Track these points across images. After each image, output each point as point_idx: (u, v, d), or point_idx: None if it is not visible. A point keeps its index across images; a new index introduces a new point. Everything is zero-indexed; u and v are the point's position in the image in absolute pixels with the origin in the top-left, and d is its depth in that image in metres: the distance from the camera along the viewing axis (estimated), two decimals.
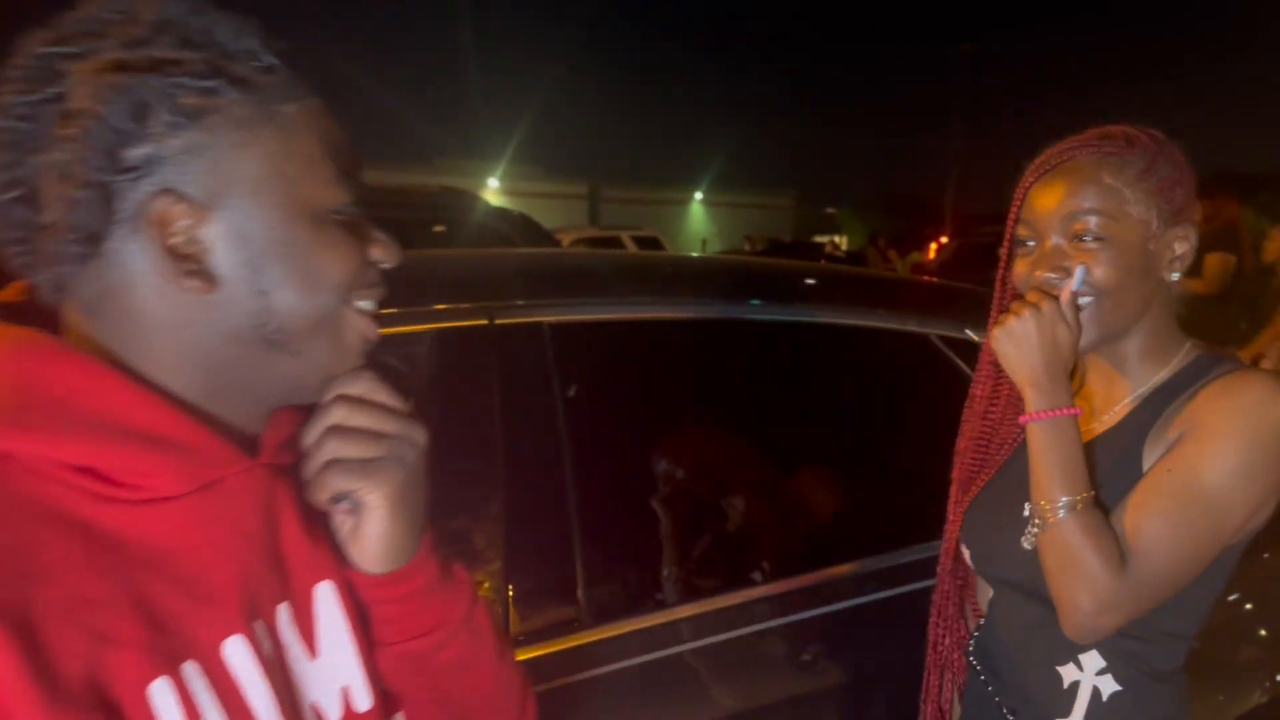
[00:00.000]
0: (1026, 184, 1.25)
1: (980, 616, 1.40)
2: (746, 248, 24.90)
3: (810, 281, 2.16)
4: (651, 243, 16.79)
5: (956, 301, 2.14)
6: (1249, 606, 2.11)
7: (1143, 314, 1.21)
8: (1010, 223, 1.27)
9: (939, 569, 1.47)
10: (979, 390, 1.41)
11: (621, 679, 1.50)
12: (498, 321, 1.57)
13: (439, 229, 5.43)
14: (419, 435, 0.77)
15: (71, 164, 0.62)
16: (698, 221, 46.50)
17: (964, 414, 1.44)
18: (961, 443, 1.44)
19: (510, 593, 1.47)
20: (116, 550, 0.62)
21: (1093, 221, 1.17)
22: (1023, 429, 1.31)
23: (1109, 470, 1.19)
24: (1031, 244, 1.24)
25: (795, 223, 48.67)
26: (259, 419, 0.74)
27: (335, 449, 0.73)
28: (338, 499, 0.75)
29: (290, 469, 0.76)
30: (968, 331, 1.98)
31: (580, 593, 1.52)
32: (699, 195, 48.33)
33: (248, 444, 0.72)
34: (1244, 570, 2.05)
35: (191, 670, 0.63)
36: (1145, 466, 1.17)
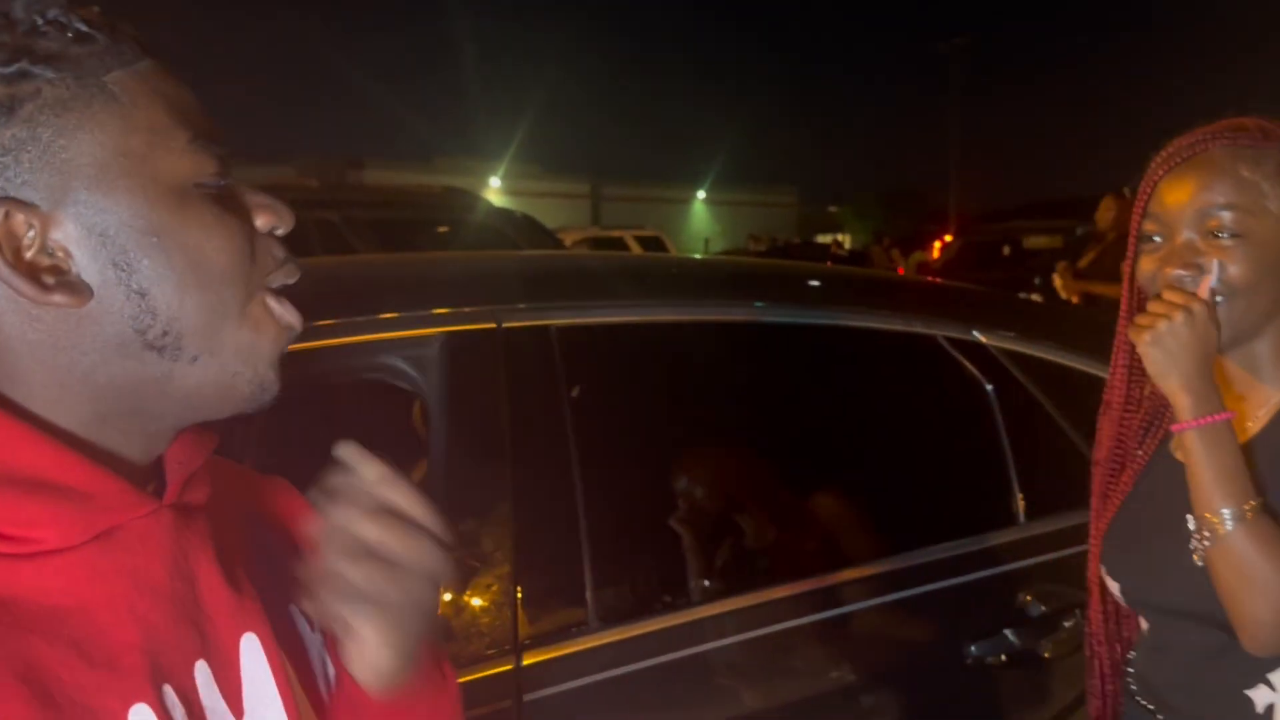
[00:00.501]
0: (1155, 177, 1.20)
1: (1131, 648, 1.35)
2: (751, 246, 24.91)
3: (816, 284, 2.17)
4: (655, 243, 16.80)
5: (963, 302, 2.14)
6: None
7: (1276, 315, 1.17)
8: (1137, 217, 1.22)
9: (1089, 605, 1.39)
10: (1115, 396, 1.34)
11: (630, 682, 1.50)
12: (505, 325, 1.57)
13: (443, 229, 5.45)
14: (443, 570, 0.67)
15: None
16: (700, 220, 46.51)
17: (1099, 422, 1.38)
18: (1098, 453, 1.37)
19: (519, 595, 1.47)
20: (2, 615, 0.54)
21: (1228, 217, 1.12)
22: (1161, 437, 1.29)
23: (1267, 474, 1.14)
24: (1158, 239, 1.19)
25: (798, 221, 48.69)
26: (158, 447, 0.65)
27: (347, 570, 0.63)
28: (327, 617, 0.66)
29: (202, 509, 0.67)
30: (974, 333, 1.98)
31: (589, 595, 1.52)
32: (701, 194, 48.34)
33: (149, 481, 0.65)
34: None
35: None
36: None
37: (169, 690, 0.59)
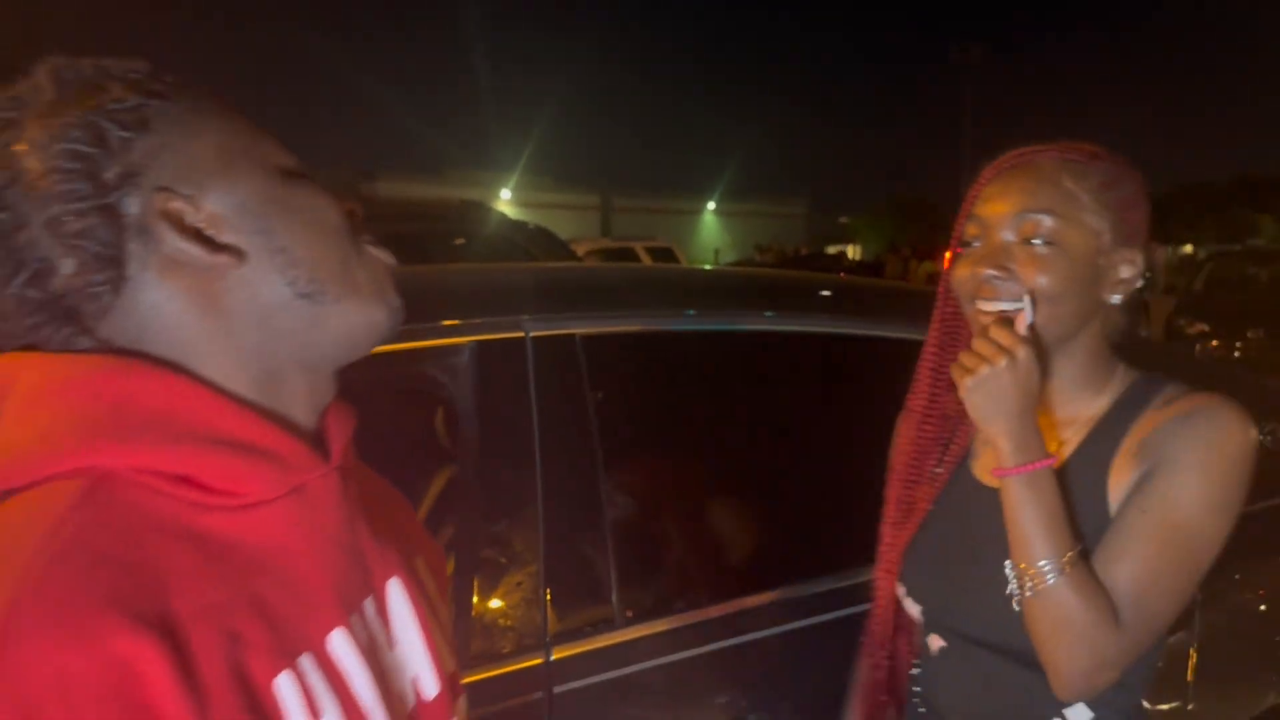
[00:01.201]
0: (982, 182, 1.19)
1: (915, 659, 1.34)
2: (758, 259, 24.89)
3: (827, 293, 2.22)
4: (666, 254, 16.84)
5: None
6: (1263, 609, 2.15)
7: (1076, 332, 1.16)
8: (961, 222, 1.21)
9: (872, 616, 1.37)
10: (917, 404, 1.31)
11: (655, 676, 1.56)
12: (532, 334, 1.63)
13: (460, 242, 5.51)
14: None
15: (62, 209, 0.66)
16: (710, 231, 46.54)
17: (899, 428, 1.36)
18: (896, 460, 1.34)
19: (548, 594, 1.53)
20: (226, 557, 0.66)
21: (1046, 222, 1.11)
22: (962, 454, 1.28)
23: (1079, 498, 1.13)
24: (977, 244, 1.18)
25: (808, 232, 48.65)
26: (317, 403, 0.77)
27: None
28: None
29: (353, 474, 0.79)
30: None
31: (614, 594, 1.58)
32: (711, 205, 48.38)
33: (315, 444, 0.76)
34: (1258, 573, 2.10)
35: (307, 663, 0.67)
36: (1113, 503, 1.12)
37: (356, 619, 0.73)
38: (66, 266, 0.67)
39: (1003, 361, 1.07)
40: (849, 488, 1.97)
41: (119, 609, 0.57)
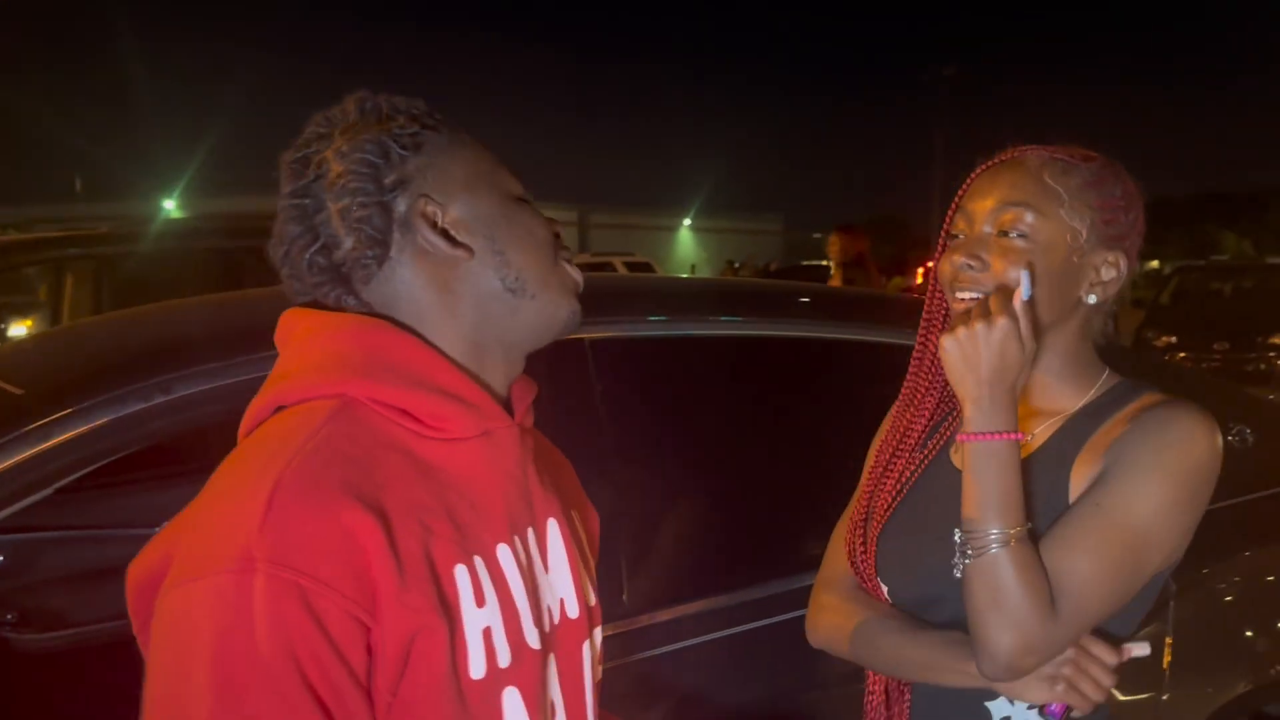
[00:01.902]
0: (971, 176, 1.22)
1: None
2: (729, 276, 25.02)
3: (805, 300, 2.30)
4: (644, 268, 16.95)
5: None
6: (1230, 599, 2.24)
7: (1049, 327, 1.16)
8: (950, 214, 1.23)
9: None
10: (905, 389, 1.32)
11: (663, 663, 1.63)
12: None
13: None
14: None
15: (351, 201, 0.88)
16: (686, 247, 46.68)
17: (893, 413, 1.36)
18: (888, 440, 1.33)
19: None
20: (430, 473, 0.86)
21: (1024, 216, 1.13)
22: (946, 440, 1.28)
23: (1034, 497, 1.13)
24: (962, 236, 1.19)
25: (783, 247, 48.91)
26: (510, 373, 0.97)
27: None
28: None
29: (530, 433, 0.98)
30: None
31: (625, 584, 1.65)
32: (688, 221, 48.55)
33: (504, 406, 0.94)
34: (1227, 566, 2.19)
35: (479, 563, 0.86)
36: (1072, 497, 1.13)
37: (517, 540, 0.92)
38: (348, 243, 0.88)
39: (979, 324, 1.08)
40: (825, 487, 2.06)
41: (350, 492, 0.77)
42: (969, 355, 1.09)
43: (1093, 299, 1.17)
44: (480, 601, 0.85)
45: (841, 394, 2.05)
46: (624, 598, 1.66)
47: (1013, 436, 1.09)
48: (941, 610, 1.19)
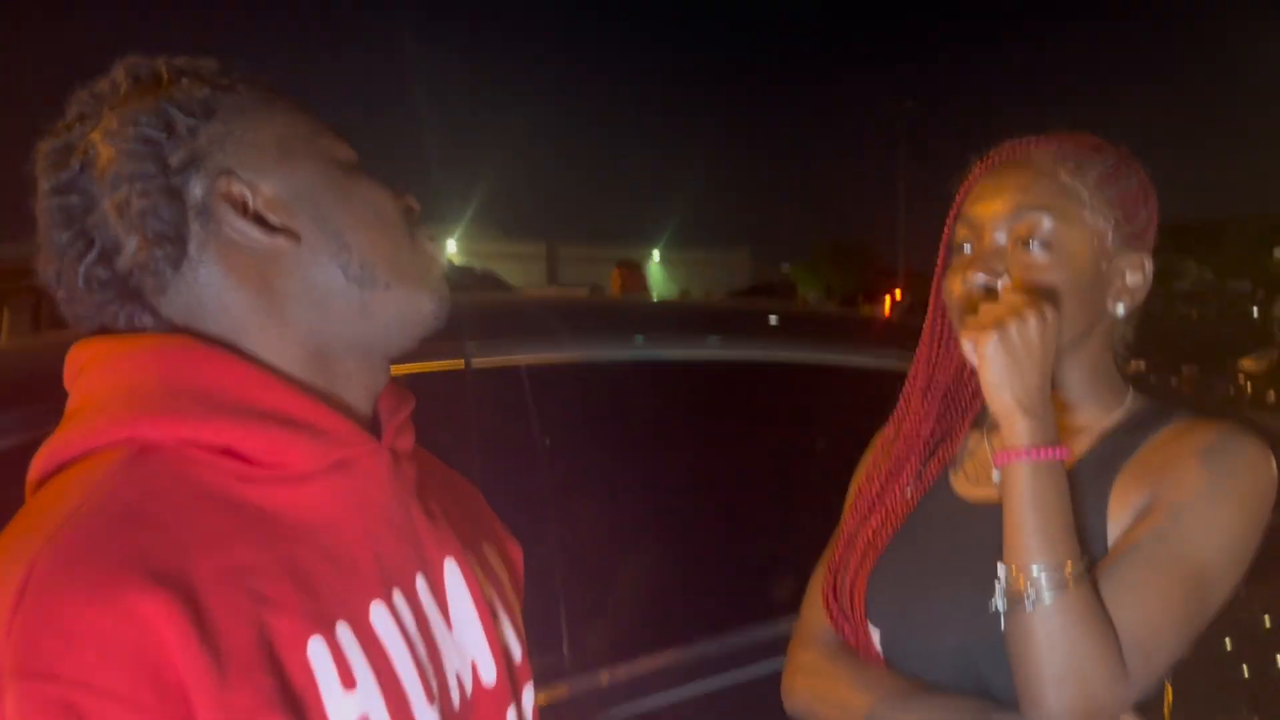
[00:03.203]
0: (972, 179, 1.08)
1: None
2: None
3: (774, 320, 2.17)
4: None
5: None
6: (1230, 638, 2.12)
7: (1075, 345, 1.04)
8: (950, 223, 1.08)
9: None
10: (904, 421, 1.15)
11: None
12: (475, 364, 1.54)
13: None
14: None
15: (129, 190, 0.70)
16: (655, 280, 46.86)
17: (880, 445, 1.19)
18: (862, 485, 1.16)
19: None
20: (264, 524, 0.67)
21: (1042, 221, 1.00)
22: (937, 475, 1.13)
23: (1085, 513, 1.00)
24: (968, 248, 1.06)
25: (753, 278, 49.21)
26: (371, 385, 0.79)
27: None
28: None
29: (409, 456, 0.81)
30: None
31: (564, 641, 1.48)
32: (656, 254, 48.81)
33: (368, 426, 0.77)
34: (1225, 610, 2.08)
35: (344, 631, 0.67)
36: (1112, 525, 1.00)
37: (398, 594, 0.73)
38: (131, 245, 0.70)
39: (1032, 317, 0.93)
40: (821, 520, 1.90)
41: (137, 566, 0.59)
42: (1019, 357, 0.93)
43: (1120, 309, 1.06)
44: (349, 683, 0.66)
45: (806, 421, 1.90)
46: (565, 652, 1.48)
47: (1062, 454, 0.95)
48: (948, 664, 1.03)
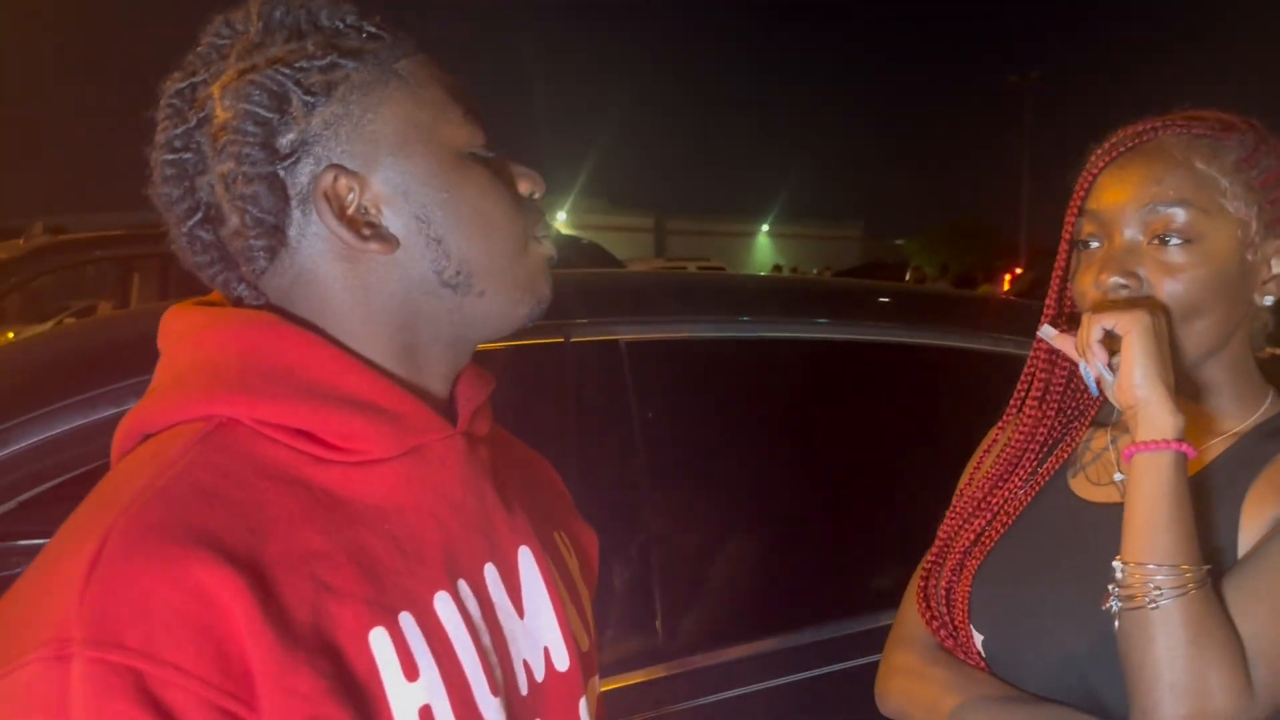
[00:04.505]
0: (1095, 169, 1.00)
1: None
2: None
3: (885, 300, 2.09)
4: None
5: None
6: None
7: (1224, 345, 0.97)
8: (1071, 217, 1.01)
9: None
10: (1026, 422, 1.09)
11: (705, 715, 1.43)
12: (574, 340, 1.53)
13: None
14: None
15: (236, 168, 0.67)
16: (764, 253, 46.53)
17: (983, 446, 1.15)
18: (975, 478, 1.11)
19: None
20: (335, 508, 0.66)
21: (1180, 216, 0.93)
22: (1053, 472, 1.07)
23: (1215, 518, 0.95)
24: (1095, 244, 0.99)
25: (863, 254, 48.37)
26: (451, 374, 0.77)
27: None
28: None
29: (485, 441, 0.78)
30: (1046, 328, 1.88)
31: (659, 623, 1.45)
32: (765, 227, 48.39)
33: (445, 412, 0.76)
34: None
35: (408, 621, 0.66)
36: (1243, 534, 0.93)
37: (463, 584, 0.71)
38: (232, 221, 0.69)
39: (1160, 311, 0.90)
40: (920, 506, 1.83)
41: (208, 542, 0.59)
42: (1164, 344, 0.89)
43: (1269, 300, 0.98)
44: (412, 673, 0.65)
45: (914, 405, 1.82)
46: (659, 634, 1.45)
47: (1190, 451, 0.88)
48: (1054, 672, 0.97)
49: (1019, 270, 15.78)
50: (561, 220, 33.80)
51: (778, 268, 21.60)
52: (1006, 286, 15.17)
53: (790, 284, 3.15)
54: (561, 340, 1.51)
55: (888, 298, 2.14)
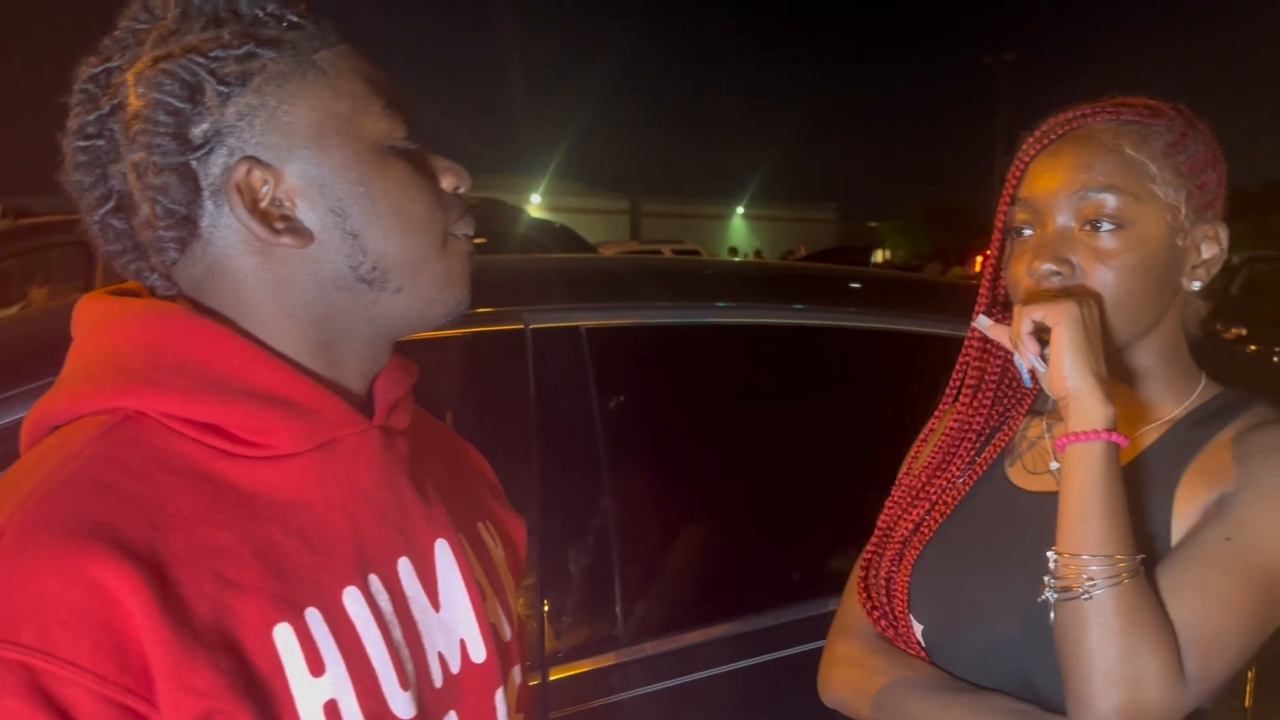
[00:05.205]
0: (1026, 158, 1.01)
1: None
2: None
3: (855, 285, 2.09)
4: (693, 256, 16.81)
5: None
6: None
7: (1152, 328, 0.98)
8: (1003, 206, 1.02)
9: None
10: (962, 414, 1.09)
11: (661, 700, 1.43)
12: (533, 326, 1.52)
13: (480, 240, 5.47)
14: None
15: (147, 158, 0.67)
16: (739, 235, 46.48)
17: (920, 438, 1.15)
18: (912, 468, 1.12)
19: (545, 608, 1.41)
20: (241, 503, 0.66)
21: (1111, 201, 0.94)
22: (989, 464, 1.07)
23: (1149, 504, 0.96)
24: (1028, 232, 1.00)
25: (838, 237, 48.48)
26: (370, 368, 0.77)
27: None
28: None
29: (404, 433, 0.78)
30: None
31: (618, 609, 1.46)
32: (740, 209, 48.35)
33: (360, 405, 0.75)
34: None
35: (314, 617, 0.66)
36: (1176, 523, 0.95)
37: (374, 579, 0.71)
38: (143, 211, 0.68)
39: (1091, 301, 0.91)
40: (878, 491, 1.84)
41: (106, 536, 0.58)
42: (1094, 334, 0.89)
43: (1196, 285, 0.99)
44: (317, 668, 0.65)
45: (872, 390, 1.83)
46: (618, 621, 1.46)
47: (1121, 440, 0.89)
48: (993, 660, 0.98)
49: (989, 252, 15.84)
50: (536, 203, 33.62)
51: (733, 250, 21.30)
52: (978, 268, 15.27)
53: (746, 269, 3.16)
54: (520, 327, 1.51)
55: (857, 283, 2.15)
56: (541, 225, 6.19)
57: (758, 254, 28.08)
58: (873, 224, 52.52)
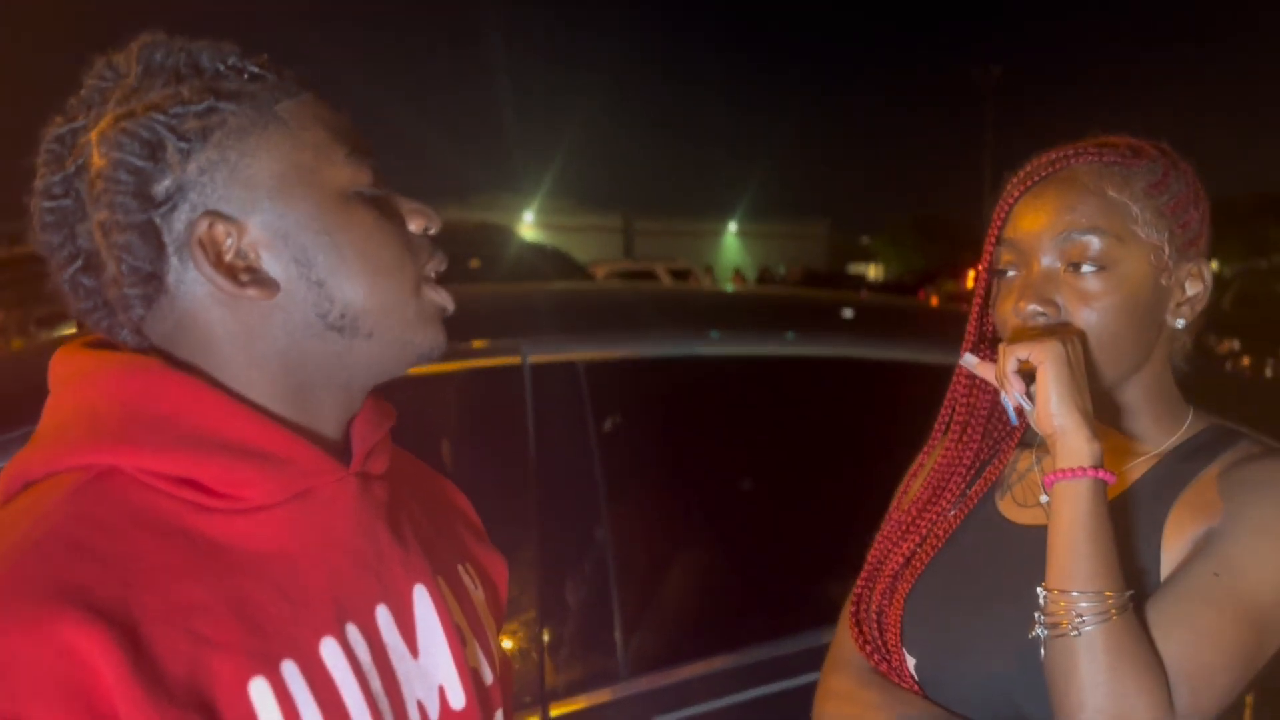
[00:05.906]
0: (1010, 199, 1.02)
1: None
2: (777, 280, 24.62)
3: (848, 314, 2.11)
4: (687, 275, 16.81)
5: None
6: None
7: (1139, 367, 1.00)
8: (989, 246, 1.04)
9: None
10: (951, 452, 1.11)
11: None
12: (531, 359, 1.53)
13: (475, 264, 5.47)
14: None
15: (111, 216, 0.67)
16: (732, 252, 46.60)
17: (918, 471, 1.17)
18: (902, 501, 1.14)
19: (545, 641, 1.41)
20: (217, 557, 0.66)
21: (1095, 243, 0.96)
22: (978, 499, 1.09)
23: (1137, 541, 0.97)
24: (1014, 273, 1.01)
25: (830, 252, 48.64)
26: (345, 414, 0.77)
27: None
28: None
29: (381, 478, 0.78)
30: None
31: (618, 641, 1.46)
32: (733, 226, 48.48)
33: (337, 452, 0.75)
34: None
35: (290, 670, 0.66)
36: (1165, 557, 0.95)
37: (352, 628, 0.71)
38: (109, 269, 0.69)
39: (1076, 339, 0.92)
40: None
41: (76, 599, 0.58)
42: (1079, 372, 0.91)
43: (1180, 323, 1.01)
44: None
45: (871, 420, 1.84)
46: (617, 654, 1.46)
47: (1109, 477, 0.90)
48: (984, 694, 0.99)
49: (981, 267, 15.91)
50: (528, 222, 33.66)
51: (709, 269, 21.15)
52: (970, 284, 15.29)
53: (737, 299, 3.17)
54: (518, 361, 1.52)
55: (851, 312, 2.16)
56: (535, 249, 6.22)
57: (736, 274, 27.95)
58: (864, 239, 52.72)
